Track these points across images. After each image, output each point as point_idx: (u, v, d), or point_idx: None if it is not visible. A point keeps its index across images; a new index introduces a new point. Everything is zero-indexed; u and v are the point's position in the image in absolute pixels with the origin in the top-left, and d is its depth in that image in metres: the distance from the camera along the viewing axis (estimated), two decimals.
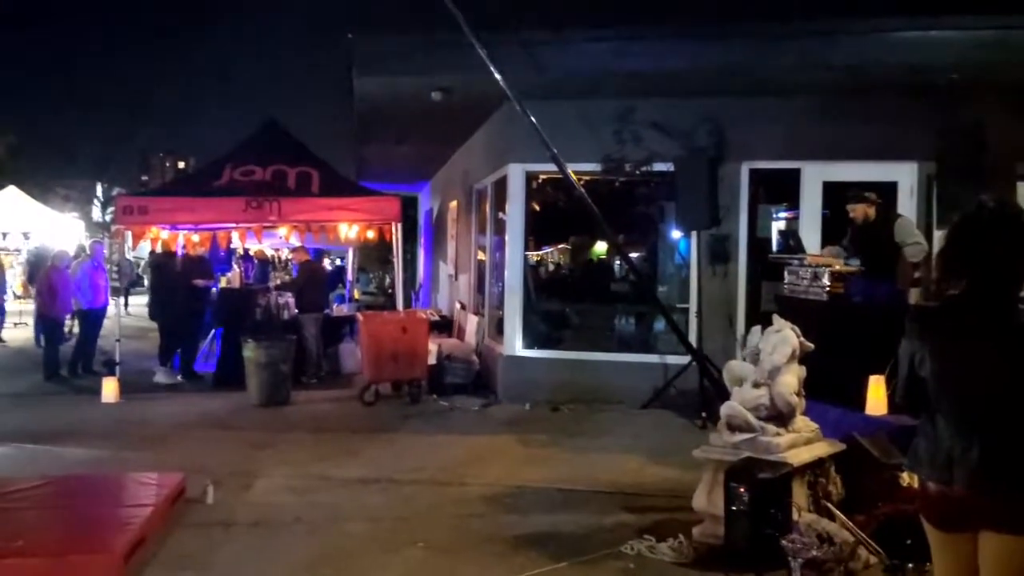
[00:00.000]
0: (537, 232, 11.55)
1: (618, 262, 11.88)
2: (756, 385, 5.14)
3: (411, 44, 8.92)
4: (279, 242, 16.05)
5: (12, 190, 22.93)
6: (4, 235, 23.25)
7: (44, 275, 12.49)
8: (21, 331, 17.34)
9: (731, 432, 5.10)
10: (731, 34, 8.47)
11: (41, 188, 37.70)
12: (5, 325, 17.24)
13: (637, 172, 9.82)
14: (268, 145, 11.80)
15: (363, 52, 9.11)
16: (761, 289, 9.64)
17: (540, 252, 12.88)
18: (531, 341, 10.44)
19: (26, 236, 23.61)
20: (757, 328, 5.42)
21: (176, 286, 11.68)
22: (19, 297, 22.00)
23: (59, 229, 22.91)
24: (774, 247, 9.71)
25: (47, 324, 12.28)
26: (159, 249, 12.59)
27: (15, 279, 23.15)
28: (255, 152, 11.70)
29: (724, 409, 5.19)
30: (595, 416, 9.17)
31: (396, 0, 9.39)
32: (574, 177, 9.01)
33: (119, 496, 6.12)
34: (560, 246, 14.66)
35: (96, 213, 50.91)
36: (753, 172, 9.80)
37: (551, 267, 14.62)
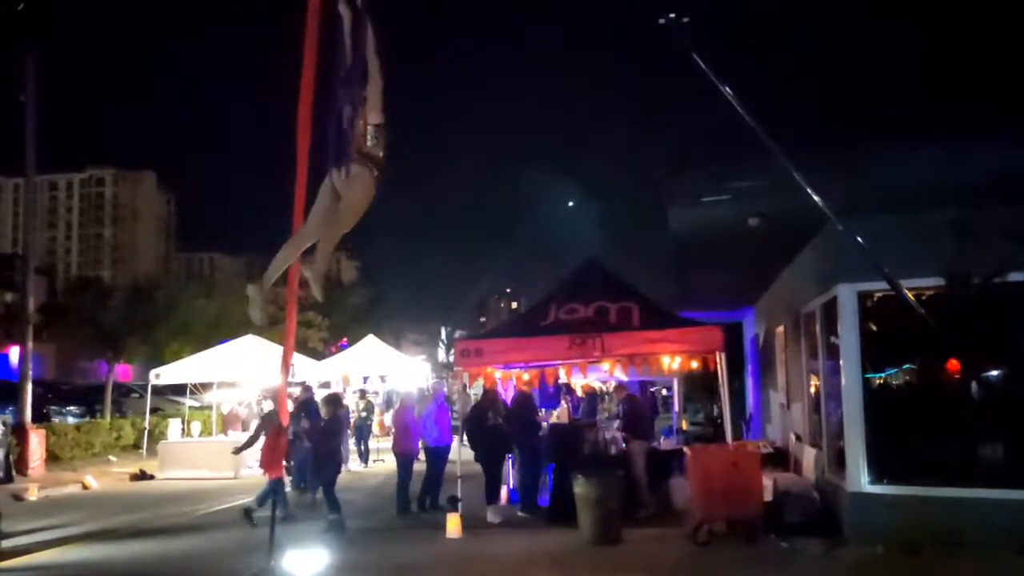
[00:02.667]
0: (876, 354, 10.66)
1: (976, 384, 10.56)
2: None
3: (723, 174, 8.88)
4: (604, 375, 16.32)
5: (371, 338, 25.75)
6: (365, 379, 26.03)
7: (396, 415, 13.61)
8: (380, 467, 19.01)
9: None
10: None
11: (395, 334, 42.08)
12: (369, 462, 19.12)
13: (988, 284, 8.79)
14: (589, 282, 12.22)
15: (675, 186, 9.22)
16: None
17: (881, 376, 11.85)
18: (879, 475, 9.49)
19: (383, 379, 26.21)
20: None
21: (485, 424, 12.15)
22: (376, 436, 24.19)
23: (409, 371, 25.22)
24: None
25: (399, 460, 13.25)
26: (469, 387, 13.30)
27: (374, 419, 25.61)
28: (577, 290, 12.14)
29: None
30: (963, 562, 8.04)
31: (705, 130, 9.44)
32: (911, 296, 8.25)
33: None
34: (904, 367, 13.42)
35: (441, 355, 55.49)
36: None
37: (896, 392, 13.37)
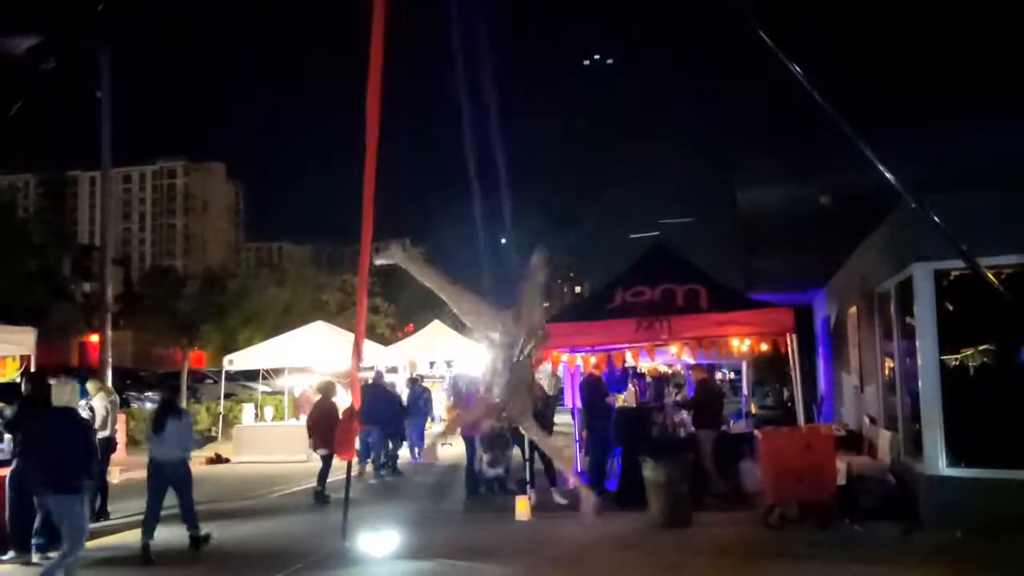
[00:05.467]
0: (953, 334, 10.38)
1: None
2: None
3: (793, 152, 8.71)
4: (670, 358, 16.20)
5: (436, 323, 25.97)
6: (432, 364, 26.25)
7: (464, 398, 13.75)
8: (447, 451, 19.13)
9: None
10: None
11: (460, 319, 42.23)
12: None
13: None
14: (655, 266, 12.14)
15: (744, 164, 9.08)
16: None
17: (959, 356, 11.54)
18: (957, 458, 9.24)
19: (448, 364, 26.44)
20: None
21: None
22: (444, 421, 24.39)
23: (475, 356, 25.33)
24: None
25: (467, 444, 13.35)
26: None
27: (441, 404, 25.86)
28: (643, 274, 12.08)
29: None
30: None
31: (776, 109, 9.27)
32: (991, 276, 7.98)
33: None
34: (982, 347, 13.03)
35: None
36: None
37: (975, 373, 12.99)
